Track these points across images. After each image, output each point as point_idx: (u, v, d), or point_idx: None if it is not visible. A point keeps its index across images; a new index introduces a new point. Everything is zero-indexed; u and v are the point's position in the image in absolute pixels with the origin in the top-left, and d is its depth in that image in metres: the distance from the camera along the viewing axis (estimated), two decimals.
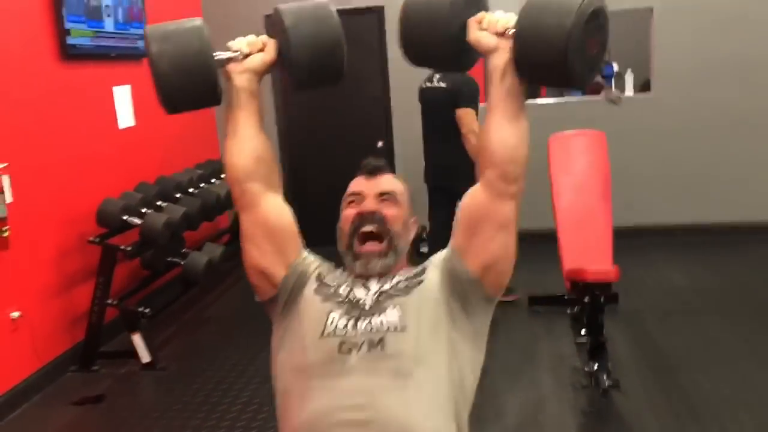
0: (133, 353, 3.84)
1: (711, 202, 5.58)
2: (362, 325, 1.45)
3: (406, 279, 1.54)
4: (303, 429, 1.39)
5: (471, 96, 3.99)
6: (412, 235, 1.67)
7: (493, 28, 1.44)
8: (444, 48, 1.49)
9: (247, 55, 1.55)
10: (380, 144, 5.90)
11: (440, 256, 1.57)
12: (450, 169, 4.11)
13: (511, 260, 1.52)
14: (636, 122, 5.57)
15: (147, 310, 3.83)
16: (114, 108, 4.52)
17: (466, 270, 1.49)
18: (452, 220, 1.56)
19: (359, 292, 1.52)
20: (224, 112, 1.58)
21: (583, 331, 3.41)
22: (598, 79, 8.15)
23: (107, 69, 4.43)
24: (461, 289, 1.51)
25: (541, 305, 4.26)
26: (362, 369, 1.40)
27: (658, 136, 5.58)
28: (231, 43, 1.56)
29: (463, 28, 1.47)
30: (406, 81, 5.67)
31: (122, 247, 3.82)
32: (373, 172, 1.65)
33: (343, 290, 1.53)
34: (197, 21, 1.53)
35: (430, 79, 4.25)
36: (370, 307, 1.48)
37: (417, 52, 1.54)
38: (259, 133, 1.57)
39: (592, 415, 3.15)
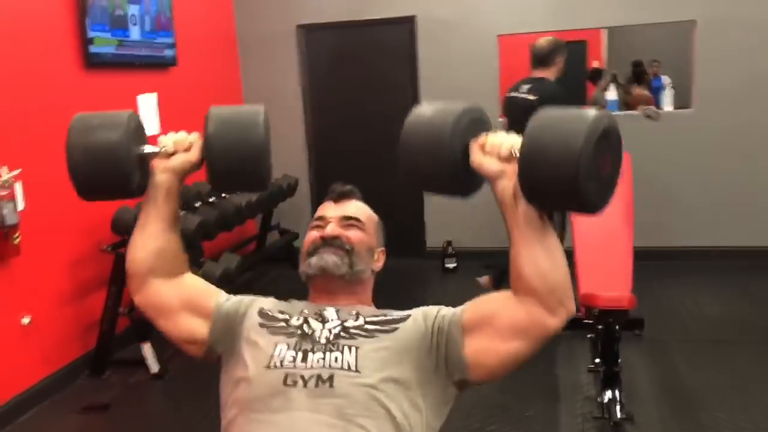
0: (144, 363, 3.84)
1: (749, 226, 5.31)
2: (313, 358, 1.37)
3: (378, 322, 1.44)
4: None
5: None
6: (378, 265, 1.61)
7: (496, 152, 1.35)
8: (446, 174, 1.39)
9: (172, 154, 1.51)
10: None
11: (436, 311, 1.47)
12: None
13: (511, 370, 1.41)
14: (674, 139, 5.35)
15: None
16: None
17: (460, 346, 1.39)
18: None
19: (314, 324, 1.45)
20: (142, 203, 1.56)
21: (597, 360, 3.24)
22: (644, 91, 7.93)
23: (132, 77, 4.47)
24: (443, 356, 1.41)
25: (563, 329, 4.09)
26: (305, 404, 1.32)
27: (696, 155, 5.34)
28: (160, 138, 1.53)
29: (466, 152, 1.38)
30: (437, 92, 5.62)
31: None
32: (340, 198, 1.62)
33: (295, 321, 1.46)
34: (125, 115, 1.50)
35: (516, 89, 4.16)
36: (327, 341, 1.40)
37: (417, 179, 1.45)
38: (168, 230, 1.54)
39: None
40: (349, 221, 1.57)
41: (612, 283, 3.15)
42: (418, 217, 5.87)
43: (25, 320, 3.50)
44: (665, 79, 7.71)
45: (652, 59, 8.60)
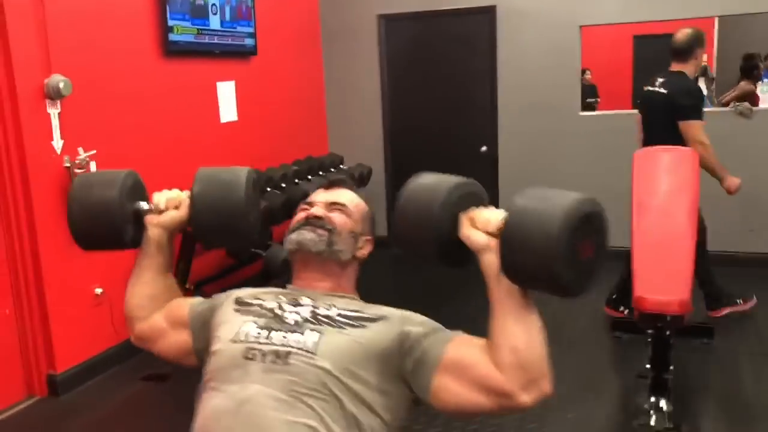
0: None
1: None
2: (276, 336, 1.41)
3: (348, 317, 1.45)
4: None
5: (694, 107, 3.83)
6: (363, 253, 1.64)
7: (484, 226, 1.36)
8: (433, 243, 1.41)
9: (162, 211, 1.62)
10: (484, 149, 5.75)
11: (419, 321, 1.45)
12: None
13: (467, 417, 1.43)
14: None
15: None
16: (217, 102, 4.74)
17: (428, 379, 1.36)
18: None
19: (286, 308, 1.49)
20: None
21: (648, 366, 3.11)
22: (750, 86, 7.44)
23: (211, 65, 4.65)
24: (409, 375, 1.38)
25: (623, 331, 3.94)
26: (259, 378, 1.35)
27: None
28: (154, 195, 1.66)
29: (456, 224, 1.39)
30: (516, 84, 5.52)
31: None
32: (331, 185, 1.68)
33: (267, 304, 1.50)
34: (123, 175, 1.63)
35: (652, 83, 4.08)
36: (295, 323, 1.44)
37: (407, 245, 1.46)
38: (160, 277, 1.67)
39: None
40: (334, 206, 1.61)
41: (666, 286, 3.00)
42: None
43: (98, 290, 3.75)
44: None
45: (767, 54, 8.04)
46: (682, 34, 4.00)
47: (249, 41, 4.98)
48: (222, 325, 1.50)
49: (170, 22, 4.19)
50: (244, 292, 1.60)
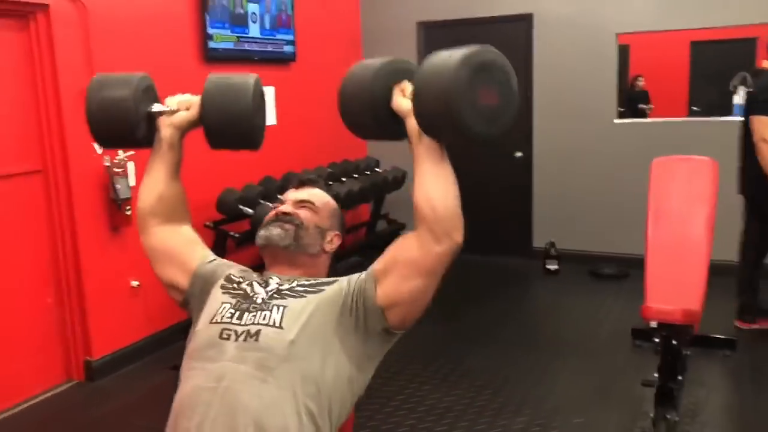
0: None
1: None
2: (248, 316, 1.54)
3: (308, 285, 1.60)
4: (176, 408, 1.53)
5: (765, 101, 3.85)
6: (330, 247, 1.75)
7: (408, 94, 1.51)
8: (369, 115, 1.57)
9: (174, 111, 1.75)
10: (518, 154, 5.78)
11: (357, 275, 1.61)
12: (752, 179, 4.01)
13: (423, 305, 1.55)
14: None
15: None
16: None
17: (373, 296, 1.53)
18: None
19: (257, 288, 1.61)
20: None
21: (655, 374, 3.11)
22: None
23: (250, 71, 4.80)
24: (362, 310, 1.54)
25: (643, 340, 3.93)
26: (234, 356, 1.49)
27: None
28: (166, 99, 1.78)
29: (389, 96, 1.54)
30: (551, 91, 5.54)
31: (231, 233, 4.19)
32: (300, 185, 1.81)
33: (244, 285, 1.63)
34: (138, 77, 1.75)
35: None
36: (262, 302, 1.57)
37: (350, 121, 1.62)
38: (170, 179, 1.77)
39: None
40: (302, 203, 1.74)
41: (673, 295, 3.00)
42: (526, 216, 5.81)
43: (134, 283, 3.97)
44: None
45: None
46: None
47: (288, 48, 5.16)
48: (207, 304, 1.64)
49: (210, 30, 4.40)
50: (236, 270, 1.72)
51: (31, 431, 3.36)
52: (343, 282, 1.60)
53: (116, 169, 3.77)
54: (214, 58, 4.46)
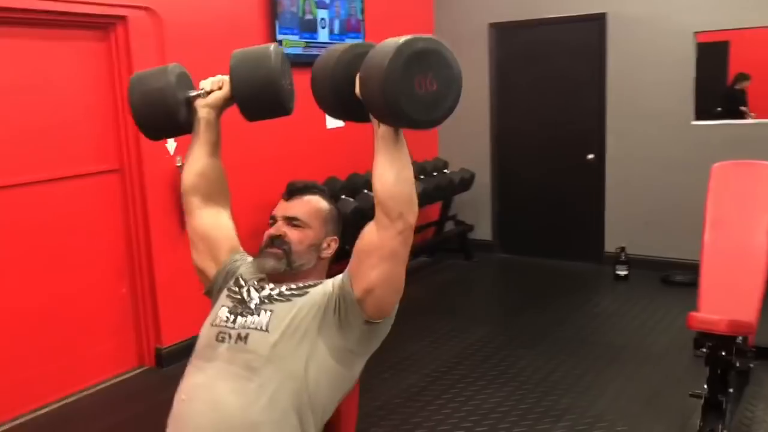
0: None
1: None
2: (241, 320, 1.66)
3: (295, 289, 1.70)
4: (174, 402, 1.67)
5: None
6: (327, 253, 1.81)
7: None
8: (332, 100, 1.65)
9: (209, 92, 1.85)
10: (590, 156, 5.68)
11: (340, 276, 1.69)
12: None
13: (393, 289, 1.62)
14: None
15: None
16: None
17: (351, 291, 1.62)
18: None
19: (253, 293, 1.72)
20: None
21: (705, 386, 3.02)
22: None
23: None
24: (344, 308, 1.63)
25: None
26: (225, 357, 1.62)
27: None
28: (200, 82, 1.88)
29: (353, 82, 1.59)
30: (625, 92, 5.43)
31: None
32: (290, 196, 1.84)
33: (243, 291, 1.75)
34: (170, 67, 1.87)
35: None
36: (255, 306, 1.68)
37: (321, 102, 1.71)
38: (209, 156, 1.86)
39: None
40: (291, 222, 1.77)
41: (724, 304, 2.92)
42: (598, 220, 5.70)
43: None
44: None
45: None
46: None
47: None
48: (215, 304, 1.78)
49: (279, 36, 4.58)
50: (245, 268, 1.81)
51: (107, 410, 3.64)
52: (328, 283, 1.69)
53: None
54: None
